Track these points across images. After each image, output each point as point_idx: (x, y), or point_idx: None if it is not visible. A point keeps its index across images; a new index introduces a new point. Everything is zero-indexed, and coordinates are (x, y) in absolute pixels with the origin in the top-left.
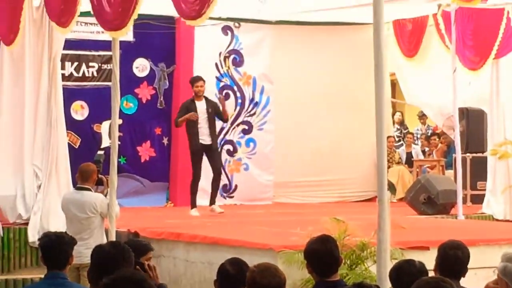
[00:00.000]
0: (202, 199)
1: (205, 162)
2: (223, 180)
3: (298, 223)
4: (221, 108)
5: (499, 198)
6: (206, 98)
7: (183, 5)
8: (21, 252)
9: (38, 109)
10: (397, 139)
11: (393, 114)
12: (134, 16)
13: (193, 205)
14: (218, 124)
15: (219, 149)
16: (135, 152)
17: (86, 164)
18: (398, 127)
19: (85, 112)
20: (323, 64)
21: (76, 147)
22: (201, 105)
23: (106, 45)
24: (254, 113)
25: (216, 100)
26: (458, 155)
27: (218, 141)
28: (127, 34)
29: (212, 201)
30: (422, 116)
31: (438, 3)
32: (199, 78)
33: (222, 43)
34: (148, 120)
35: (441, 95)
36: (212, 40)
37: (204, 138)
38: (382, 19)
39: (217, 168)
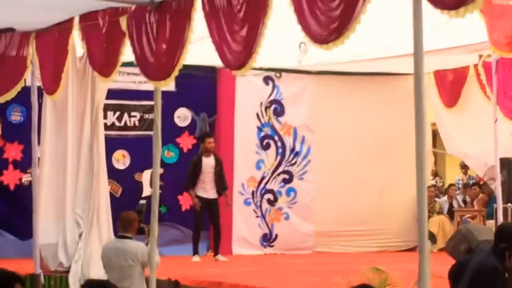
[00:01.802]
0: (242, 248)
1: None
2: (264, 229)
3: (338, 273)
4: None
5: None
6: (215, 155)
7: (229, 55)
8: None
9: (80, 158)
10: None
11: None
12: (179, 66)
13: (195, 252)
14: (257, 173)
15: (260, 198)
16: (176, 201)
17: (127, 212)
18: (432, 177)
19: (127, 161)
20: (363, 114)
21: (118, 196)
22: (209, 162)
23: (148, 95)
24: (295, 163)
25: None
26: (499, 205)
27: (259, 190)
28: (169, 84)
29: (216, 252)
30: (464, 166)
31: (479, 53)
32: (210, 135)
33: (263, 93)
34: None
35: (482, 145)
36: (253, 90)
37: (209, 194)
38: (423, 68)
39: (216, 223)
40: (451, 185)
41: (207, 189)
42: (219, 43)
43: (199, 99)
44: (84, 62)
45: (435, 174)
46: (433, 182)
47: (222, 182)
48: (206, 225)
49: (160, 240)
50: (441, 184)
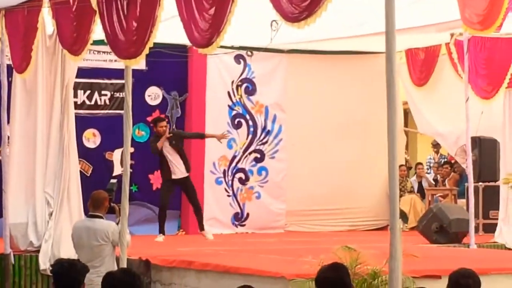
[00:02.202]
0: (214, 227)
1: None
2: (235, 208)
3: (310, 252)
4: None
5: (511, 227)
6: (170, 133)
7: (196, 33)
8: (32, 279)
9: (50, 137)
10: None
11: None
12: (149, 44)
13: (160, 231)
14: (228, 152)
15: (232, 177)
16: (147, 180)
17: (98, 191)
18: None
19: (97, 140)
20: (335, 93)
21: (88, 175)
22: (165, 145)
23: (118, 73)
24: (266, 142)
25: None
26: (471, 184)
27: (230, 169)
28: (140, 62)
29: (201, 227)
30: (436, 145)
31: (451, 32)
32: (162, 119)
33: (234, 72)
34: None
35: (454, 124)
36: (224, 68)
37: (177, 174)
38: (395, 48)
39: (193, 200)
40: (418, 163)
41: (176, 171)
42: (187, 21)
43: (170, 78)
44: (54, 40)
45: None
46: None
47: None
48: (176, 204)
49: (130, 219)
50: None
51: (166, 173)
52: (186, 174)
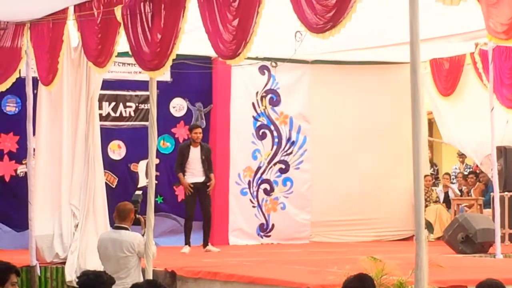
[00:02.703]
0: (239, 238)
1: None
2: (260, 219)
3: (335, 262)
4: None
5: None
6: (203, 145)
7: (221, 45)
8: None
9: (75, 148)
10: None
11: None
12: (173, 56)
13: (186, 242)
14: (253, 163)
15: (257, 188)
16: (172, 192)
17: (123, 203)
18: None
19: (122, 152)
20: (359, 103)
21: (114, 186)
22: (195, 151)
23: (143, 85)
24: (291, 152)
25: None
26: (496, 193)
27: (255, 179)
28: (164, 74)
29: (206, 243)
30: (462, 155)
31: (475, 42)
32: (198, 125)
33: (259, 83)
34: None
35: (479, 134)
36: (249, 79)
37: (197, 178)
38: (419, 58)
39: (206, 210)
40: (445, 174)
41: (195, 174)
42: (211, 33)
43: (194, 89)
44: (79, 53)
45: (430, 163)
46: (430, 171)
47: (209, 169)
48: (201, 216)
49: (156, 230)
50: (436, 172)
51: (186, 174)
52: (203, 180)
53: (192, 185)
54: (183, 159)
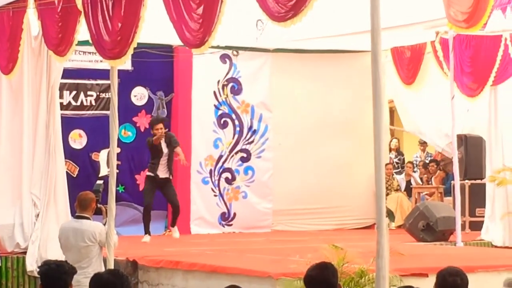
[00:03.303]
0: (201, 227)
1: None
2: (222, 208)
3: (297, 251)
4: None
5: (498, 224)
6: (167, 137)
7: (187, 33)
8: (19, 281)
9: (36, 138)
10: (396, 165)
11: (390, 141)
12: (134, 44)
13: (146, 231)
14: (214, 152)
15: (218, 177)
16: (133, 181)
17: (84, 192)
18: (395, 154)
19: (83, 141)
20: (321, 91)
21: (75, 176)
22: (159, 147)
23: (104, 74)
24: (253, 141)
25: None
26: (457, 182)
27: (217, 168)
28: (125, 63)
29: (173, 223)
30: (423, 143)
31: (436, 30)
32: (158, 121)
33: (220, 71)
34: (146, 148)
35: (440, 122)
36: (210, 68)
37: (160, 173)
38: (380, 46)
39: (173, 201)
40: (407, 162)
41: (162, 169)
42: (176, 22)
43: (155, 78)
44: (40, 41)
45: (397, 150)
46: (396, 160)
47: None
48: (162, 205)
49: (117, 220)
50: (402, 161)
51: (152, 166)
52: (167, 176)
53: (151, 178)
54: (150, 152)
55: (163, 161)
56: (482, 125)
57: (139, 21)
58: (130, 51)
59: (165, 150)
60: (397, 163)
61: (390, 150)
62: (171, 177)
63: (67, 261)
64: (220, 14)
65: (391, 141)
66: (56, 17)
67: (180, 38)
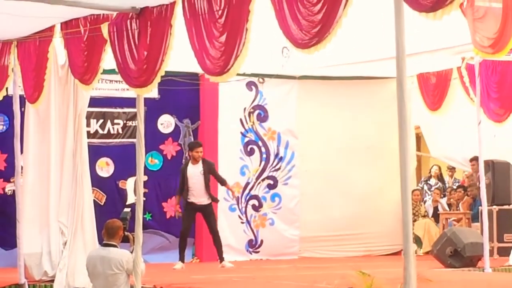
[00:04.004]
0: (228, 254)
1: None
2: (249, 235)
3: (324, 277)
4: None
5: None
6: (204, 161)
7: (208, 62)
8: None
9: (63, 166)
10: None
11: (430, 168)
12: (161, 73)
13: (180, 258)
14: (241, 179)
15: (245, 204)
16: (160, 208)
17: (112, 220)
18: (436, 180)
19: (111, 169)
20: (347, 118)
21: (102, 204)
22: (195, 169)
23: (131, 102)
24: (279, 168)
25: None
26: (484, 207)
27: (244, 195)
28: (152, 91)
29: (221, 258)
30: (452, 169)
31: (462, 56)
32: (200, 144)
33: (246, 99)
34: (173, 176)
35: (466, 148)
36: (236, 95)
37: (199, 199)
38: (405, 72)
39: (213, 230)
40: (435, 189)
41: (194, 195)
42: (198, 50)
43: (182, 106)
44: (66, 70)
45: (437, 177)
46: (432, 183)
47: (220, 180)
48: (191, 232)
49: (144, 247)
50: (442, 189)
51: (185, 193)
52: (206, 202)
53: (190, 205)
54: (182, 178)
55: (197, 185)
56: (509, 150)
57: (167, 49)
58: (157, 80)
59: (198, 170)
60: (438, 189)
61: (431, 177)
62: (210, 203)
63: None
64: (245, 41)
65: (431, 167)
66: (82, 45)
67: (200, 65)
